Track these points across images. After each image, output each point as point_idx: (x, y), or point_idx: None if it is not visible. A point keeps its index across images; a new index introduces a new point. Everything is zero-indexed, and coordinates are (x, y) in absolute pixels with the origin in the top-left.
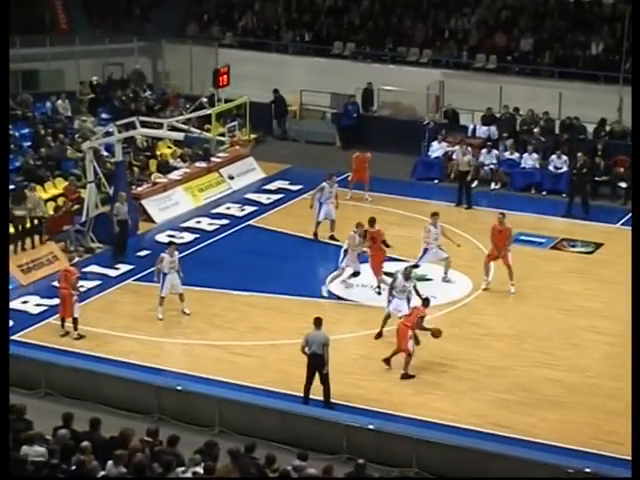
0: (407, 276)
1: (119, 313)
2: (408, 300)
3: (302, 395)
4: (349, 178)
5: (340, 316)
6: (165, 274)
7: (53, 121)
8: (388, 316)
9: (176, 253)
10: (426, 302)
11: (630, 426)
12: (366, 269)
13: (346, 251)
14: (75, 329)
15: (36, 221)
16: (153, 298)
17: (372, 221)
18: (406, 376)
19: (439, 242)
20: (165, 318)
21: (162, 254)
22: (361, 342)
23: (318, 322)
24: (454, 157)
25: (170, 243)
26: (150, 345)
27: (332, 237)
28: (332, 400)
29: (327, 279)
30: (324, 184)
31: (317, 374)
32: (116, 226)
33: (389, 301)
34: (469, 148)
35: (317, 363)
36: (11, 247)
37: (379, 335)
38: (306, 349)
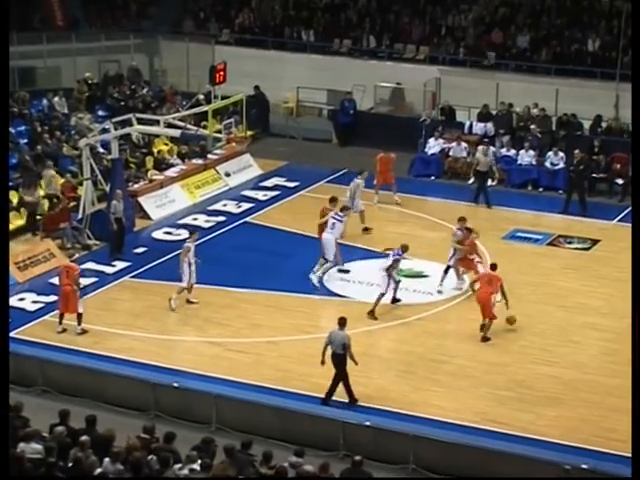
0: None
1: (116, 310)
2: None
3: (347, 396)
4: (374, 181)
5: (337, 313)
6: (190, 264)
7: (50, 118)
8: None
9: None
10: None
11: (629, 423)
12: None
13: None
14: (79, 324)
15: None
16: (151, 295)
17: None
18: (485, 339)
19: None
20: (162, 315)
21: (187, 244)
22: (359, 339)
23: (342, 322)
24: (477, 155)
25: (192, 232)
26: (147, 342)
27: (366, 229)
28: (332, 399)
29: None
30: (358, 181)
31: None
32: (114, 223)
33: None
34: (491, 148)
35: (336, 362)
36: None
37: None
38: (328, 348)
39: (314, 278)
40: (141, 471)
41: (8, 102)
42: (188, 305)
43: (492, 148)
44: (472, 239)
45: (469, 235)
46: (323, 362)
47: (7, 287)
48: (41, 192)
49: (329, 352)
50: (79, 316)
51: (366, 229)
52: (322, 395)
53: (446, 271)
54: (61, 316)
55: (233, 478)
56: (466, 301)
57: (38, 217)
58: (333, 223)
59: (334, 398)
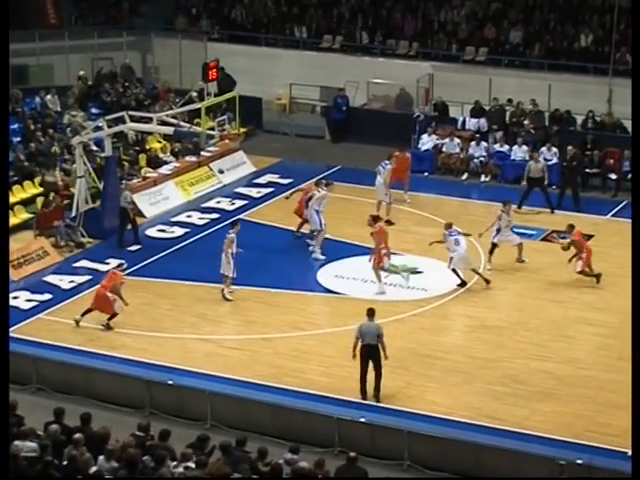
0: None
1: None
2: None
3: (359, 390)
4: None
5: (331, 309)
6: (233, 254)
7: (42, 116)
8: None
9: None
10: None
11: (624, 418)
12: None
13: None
14: (109, 319)
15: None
16: (145, 292)
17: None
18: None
19: (510, 227)
20: (156, 312)
21: (230, 235)
22: (352, 335)
23: (371, 313)
24: (529, 162)
25: (234, 223)
26: (142, 340)
27: (388, 221)
28: (381, 394)
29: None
30: (389, 167)
31: (371, 364)
32: (131, 214)
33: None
34: (541, 158)
35: (371, 354)
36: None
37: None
38: (360, 341)
39: (316, 254)
40: (136, 468)
41: (8, 102)
42: (224, 301)
43: (543, 150)
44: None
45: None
46: (355, 356)
47: (7, 287)
48: (61, 173)
49: (363, 344)
50: (113, 315)
51: (389, 222)
52: (318, 392)
53: (491, 251)
54: (88, 311)
55: (228, 475)
56: (459, 297)
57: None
58: (315, 197)
59: (326, 393)
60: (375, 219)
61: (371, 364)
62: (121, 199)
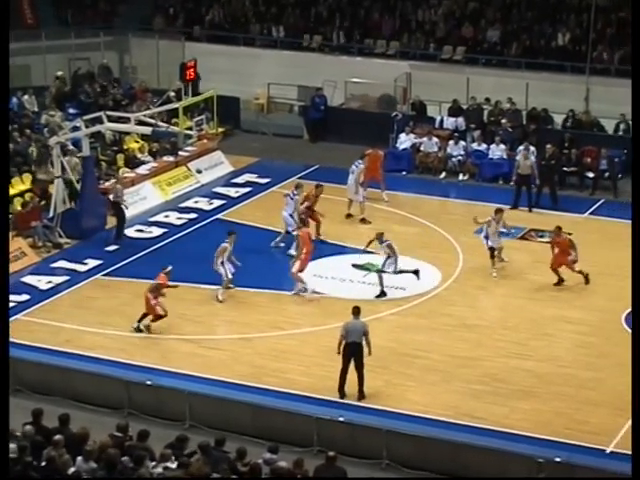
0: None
1: (89, 308)
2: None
3: (337, 388)
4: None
5: (310, 308)
6: (223, 263)
7: (19, 116)
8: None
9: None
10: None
11: (602, 415)
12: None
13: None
14: (141, 320)
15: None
16: (123, 293)
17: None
18: None
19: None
20: (135, 313)
21: (223, 244)
22: (332, 334)
23: (356, 311)
24: (517, 158)
25: (230, 233)
26: (120, 340)
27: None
28: (363, 394)
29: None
30: (362, 166)
31: (353, 363)
32: (124, 208)
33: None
34: (532, 149)
35: (355, 352)
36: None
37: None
38: (344, 339)
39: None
40: (115, 469)
41: (8, 102)
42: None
43: (532, 148)
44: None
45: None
46: (339, 353)
47: (7, 286)
48: (55, 171)
49: (348, 342)
50: (157, 317)
51: (364, 220)
52: (299, 391)
53: (492, 256)
54: (144, 316)
55: (208, 475)
56: (438, 296)
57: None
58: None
59: (306, 392)
60: (347, 216)
61: (353, 363)
62: (112, 194)
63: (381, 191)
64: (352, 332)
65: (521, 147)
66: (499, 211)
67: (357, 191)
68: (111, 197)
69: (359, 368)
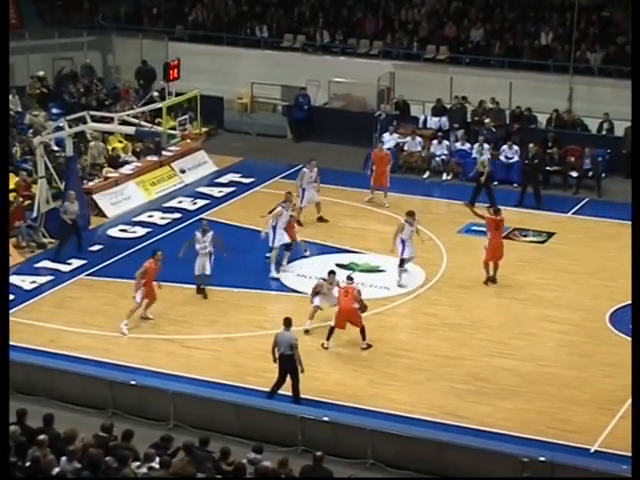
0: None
1: (72, 308)
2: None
3: (268, 390)
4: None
5: (295, 308)
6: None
7: None
8: None
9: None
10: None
11: (584, 414)
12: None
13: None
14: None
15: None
16: (106, 292)
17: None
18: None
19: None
20: (118, 313)
21: (279, 208)
22: (316, 334)
23: (287, 322)
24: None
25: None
26: (104, 340)
27: (320, 219)
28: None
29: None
30: (304, 169)
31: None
32: (69, 222)
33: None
34: (487, 146)
35: (286, 364)
36: None
37: None
38: (276, 350)
39: (272, 273)
40: (99, 469)
41: (8, 102)
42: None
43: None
44: None
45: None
46: (275, 360)
47: (7, 287)
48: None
49: (277, 354)
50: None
51: (321, 219)
52: (283, 391)
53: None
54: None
55: (192, 475)
56: (421, 296)
57: None
58: (273, 212)
59: (289, 392)
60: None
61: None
62: (61, 211)
63: (383, 196)
64: (281, 343)
65: (475, 144)
66: (411, 214)
67: (302, 193)
68: (63, 215)
69: (292, 378)
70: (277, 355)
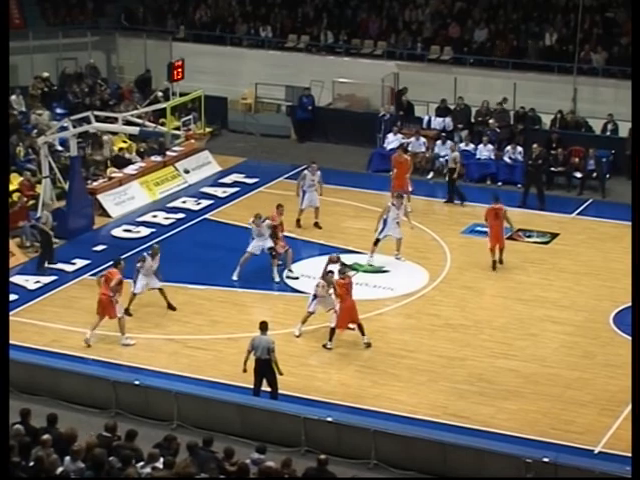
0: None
1: (76, 308)
2: None
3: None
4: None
5: (296, 308)
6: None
7: None
8: None
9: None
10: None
11: (588, 415)
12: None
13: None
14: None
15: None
16: None
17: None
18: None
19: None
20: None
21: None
22: (317, 334)
23: (264, 326)
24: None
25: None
26: (107, 340)
27: (316, 224)
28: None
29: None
30: (305, 172)
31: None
32: (47, 232)
33: None
34: (459, 145)
35: (263, 369)
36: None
37: None
38: (252, 353)
39: (274, 275)
40: (102, 469)
41: (8, 102)
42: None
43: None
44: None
45: None
46: (245, 370)
47: (7, 287)
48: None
49: (254, 357)
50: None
51: (316, 224)
52: (286, 391)
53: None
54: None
55: (195, 475)
56: (425, 296)
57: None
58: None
59: (292, 392)
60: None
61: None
62: (40, 220)
63: (407, 200)
64: (258, 348)
65: (448, 141)
66: (399, 197)
67: (303, 196)
68: (40, 224)
69: (271, 384)
70: (254, 358)
